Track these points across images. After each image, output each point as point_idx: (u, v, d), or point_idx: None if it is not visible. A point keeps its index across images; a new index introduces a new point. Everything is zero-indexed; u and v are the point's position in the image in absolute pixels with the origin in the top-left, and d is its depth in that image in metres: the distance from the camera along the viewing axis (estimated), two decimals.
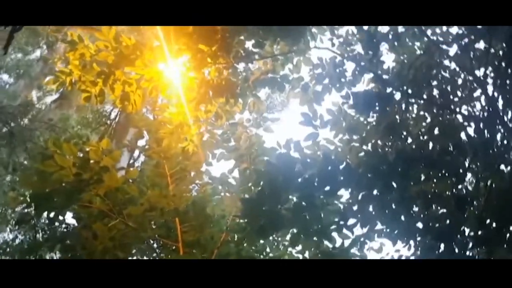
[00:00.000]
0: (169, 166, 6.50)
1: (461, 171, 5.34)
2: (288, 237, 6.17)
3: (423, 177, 5.39)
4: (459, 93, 6.56)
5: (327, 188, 4.66)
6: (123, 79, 5.80)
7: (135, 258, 6.68)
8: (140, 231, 5.47)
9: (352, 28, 6.22)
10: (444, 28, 6.59)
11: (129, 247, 5.91)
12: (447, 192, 5.23)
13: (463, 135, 5.91)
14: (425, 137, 6.38)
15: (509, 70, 5.96)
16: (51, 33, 11.68)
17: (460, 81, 6.60)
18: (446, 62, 6.55)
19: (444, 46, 6.63)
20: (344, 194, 5.17)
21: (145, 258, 7.19)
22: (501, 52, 6.21)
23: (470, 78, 6.37)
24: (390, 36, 6.07)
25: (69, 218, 6.33)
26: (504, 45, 6.04)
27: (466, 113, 6.76)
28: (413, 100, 6.26)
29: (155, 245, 7.51)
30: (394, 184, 5.05)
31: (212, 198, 8.02)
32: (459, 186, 5.47)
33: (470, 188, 5.67)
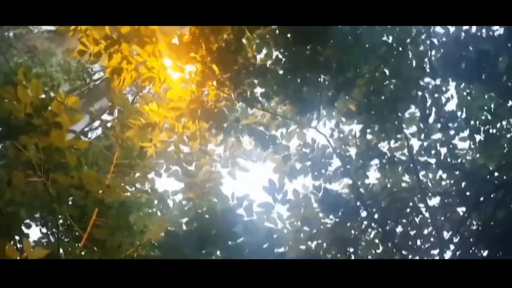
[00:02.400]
0: (120, 155, 6.46)
1: None
2: None
3: None
4: (418, 243, 6.85)
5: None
6: (126, 54, 5.88)
7: (33, 224, 6.49)
8: (55, 201, 5.37)
9: (357, 131, 6.53)
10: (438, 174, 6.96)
11: (34, 209, 5.78)
12: None
13: None
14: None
15: None
16: None
17: (425, 232, 6.92)
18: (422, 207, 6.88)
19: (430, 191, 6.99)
20: None
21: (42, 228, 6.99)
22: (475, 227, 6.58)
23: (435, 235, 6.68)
24: (385, 158, 6.37)
25: None
26: None
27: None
28: (375, 226, 6.50)
29: (60, 221, 7.33)
30: None
31: (143, 209, 7.95)
32: None
33: None
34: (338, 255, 6.19)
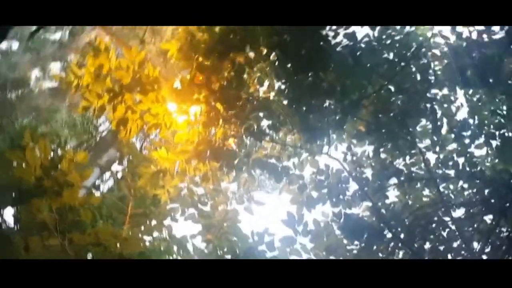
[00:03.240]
0: (133, 205, 6.50)
1: None
2: None
3: None
4: (449, 257, 6.72)
5: None
6: (129, 104, 5.98)
7: None
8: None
9: (370, 151, 6.51)
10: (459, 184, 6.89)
11: None
12: None
13: None
14: None
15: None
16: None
17: (454, 245, 6.79)
18: (448, 221, 6.78)
19: (453, 203, 6.90)
20: None
21: None
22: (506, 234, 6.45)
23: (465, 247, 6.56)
24: (403, 176, 6.33)
25: (8, 213, 6.24)
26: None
27: None
28: (402, 246, 6.40)
29: None
30: None
31: (162, 256, 7.92)
32: None
33: None
34: None
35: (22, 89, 11.70)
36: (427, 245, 6.73)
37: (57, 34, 14.29)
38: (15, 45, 12.20)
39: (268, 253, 5.66)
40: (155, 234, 7.47)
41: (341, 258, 6.33)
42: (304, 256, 6.24)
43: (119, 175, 8.86)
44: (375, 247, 6.22)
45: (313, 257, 6.42)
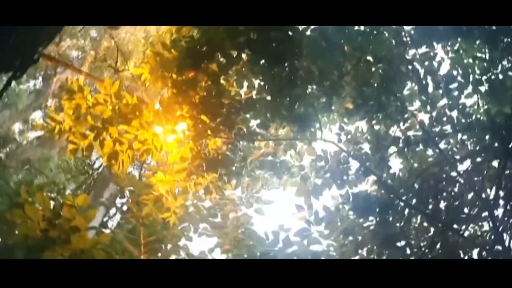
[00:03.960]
0: (145, 233, 6.54)
1: None
2: None
3: None
4: (466, 210, 6.76)
5: None
6: (115, 136, 6.00)
7: None
8: None
9: (362, 126, 6.55)
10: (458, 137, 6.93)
11: None
12: None
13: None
14: (426, 250, 6.49)
15: None
16: (51, 66, 12.16)
17: (469, 198, 6.82)
18: (456, 176, 6.81)
19: (457, 156, 6.94)
20: None
21: None
22: None
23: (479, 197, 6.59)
24: (401, 142, 6.37)
25: None
26: None
27: (471, 231, 6.93)
28: (414, 212, 6.44)
29: None
30: None
31: None
32: None
33: None
34: (392, 254, 6.12)
35: (9, 146, 11.75)
36: (442, 205, 6.77)
37: (30, 83, 14.36)
38: None
39: (288, 249, 5.69)
40: (173, 257, 7.51)
41: (360, 238, 6.36)
42: (324, 243, 6.28)
43: (125, 208, 8.91)
44: (390, 219, 6.26)
45: (333, 243, 6.47)
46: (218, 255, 8.06)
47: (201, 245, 8.21)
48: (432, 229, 6.76)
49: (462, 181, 6.53)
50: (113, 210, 10.45)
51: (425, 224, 6.81)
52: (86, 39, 14.44)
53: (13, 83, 13.29)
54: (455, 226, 6.33)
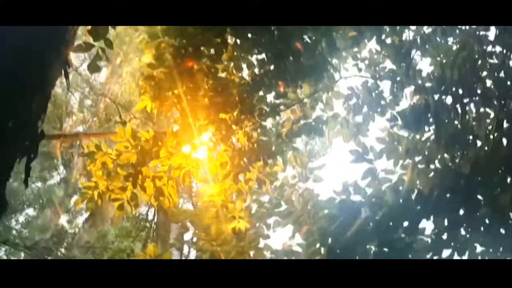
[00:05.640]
0: (225, 253, 6.54)
1: None
2: None
3: (510, 180, 5.20)
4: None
5: (406, 224, 4.56)
6: (152, 175, 6.02)
7: None
8: None
9: (375, 46, 6.33)
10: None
11: None
12: None
13: None
14: (496, 134, 6.22)
15: None
16: (64, 149, 12.44)
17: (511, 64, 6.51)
18: (490, 48, 6.52)
19: (482, 32, 6.63)
20: (427, 225, 5.02)
21: None
22: None
23: None
24: (419, 41, 6.13)
25: None
26: None
27: None
28: (467, 100, 6.18)
29: None
30: (480, 197, 4.90)
31: None
32: None
33: None
34: (467, 153, 5.87)
35: (66, 240, 12.04)
36: (488, 83, 6.51)
37: (55, 176, 14.78)
38: (30, 211, 12.72)
39: (360, 197, 5.53)
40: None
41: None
42: (395, 176, 6.10)
43: (195, 240, 8.96)
44: (446, 121, 6.02)
45: (400, 171, 6.28)
46: (300, 240, 7.99)
47: (281, 237, 8.16)
48: (491, 112, 6.48)
49: (497, 49, 6.23)
50: (186, 249, 10.53)
51: (482, 109, 6.53)
52: (83, 111, 14.75)
53: (40, 183, 13.62)
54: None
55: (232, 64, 6.14)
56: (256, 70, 6.19)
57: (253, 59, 6.18)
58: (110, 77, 13.94)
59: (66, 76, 4.14)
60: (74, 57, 13.85)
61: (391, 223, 4.40)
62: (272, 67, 6.10)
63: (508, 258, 4.91)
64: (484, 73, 6.46)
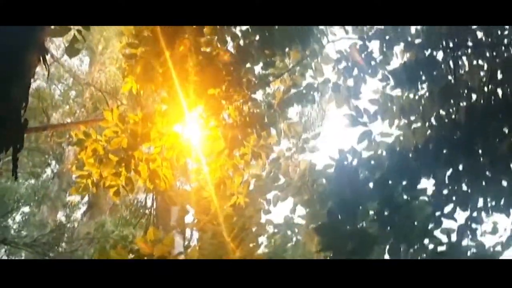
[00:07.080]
0: (227, 231, 6.57)
1: None
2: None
3: (507, 130, 5.22)
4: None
5: (405, 183, 4.58)
6: (145, 157, 5.99)
7: None
8: None
9: None
10: None
11: None
12: None
13: None
14: (490, 86, 6.21)
15: None
16: (55, 143, 12.39)
17: None
18: None
19: None
20: (427, 182, 5.04)
21: None
22: None
23: None
24: None
25: None
26: None
27: None
28: (459, 53, 6.16)
29: None
30: (478, 149, 4.92)
31: (286, 247, 7.98)
32: None
33: None
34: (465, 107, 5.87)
35: (65, 235, 12.06)
36: (480, 34, 6.47)
37: (47, 171, 14.75)
38: (26, 209, 12.76)
39: (366, 152, 5.54)
40: (264, 235, 7.56)
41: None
42: (391, 139, 6.11)
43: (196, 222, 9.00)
44: (435, 73, 5.99)
45: (397, 132, 6.28)
46: (302, 211, 8.04)
47: (282, 212, 8.23)
48: (484, 63, 6.46)
49: None
50: (188, 232, 10.58)
51: (475, 62, 6.51)
52: (69, 103, 14.65)
53: (33, 180, 13.56)
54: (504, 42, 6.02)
55: (216, 37, 6.07)
56: (241, 42, 6.14)
57: (237, 30, 6.12)
58: (93, 65, 13.83)
59: (45, 62, 4.08)
60: (54, 49, 13.72)
61: (390, 182, 4.41)
62: (257, 37, 6.05)
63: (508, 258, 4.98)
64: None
